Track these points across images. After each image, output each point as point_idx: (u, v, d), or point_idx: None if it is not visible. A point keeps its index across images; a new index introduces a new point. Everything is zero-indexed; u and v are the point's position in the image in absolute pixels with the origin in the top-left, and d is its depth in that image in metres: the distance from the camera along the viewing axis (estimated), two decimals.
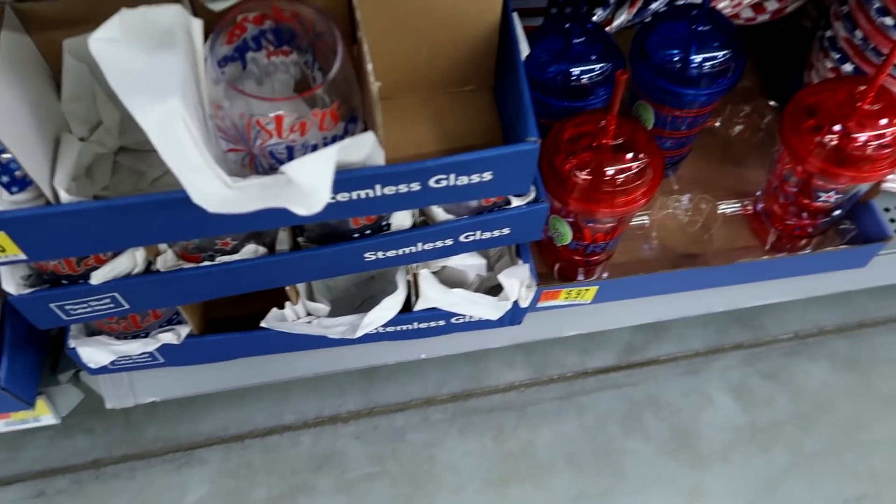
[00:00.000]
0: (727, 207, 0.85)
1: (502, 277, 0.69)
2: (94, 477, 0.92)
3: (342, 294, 0.80)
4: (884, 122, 0.68)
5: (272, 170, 0.49)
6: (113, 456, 0.93)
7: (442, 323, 0.75)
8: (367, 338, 0.75)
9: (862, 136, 0.68)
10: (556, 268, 0.80)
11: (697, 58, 0.74)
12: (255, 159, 0.49)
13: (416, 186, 0.52)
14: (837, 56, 0.80)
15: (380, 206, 0.54)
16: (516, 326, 0.80)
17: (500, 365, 1.01)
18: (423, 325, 0.75)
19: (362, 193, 0.52)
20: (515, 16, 0.58)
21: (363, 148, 0.48)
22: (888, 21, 0.73)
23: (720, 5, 0.92)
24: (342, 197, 0.52)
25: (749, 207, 0.85)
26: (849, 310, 1.04)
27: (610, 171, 0.66)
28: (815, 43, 0.86)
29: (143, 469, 0.92)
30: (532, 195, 0.65)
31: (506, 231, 0.65)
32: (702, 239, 0.84)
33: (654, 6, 0.89)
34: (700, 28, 0.73)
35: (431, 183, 0.52)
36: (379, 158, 0.50)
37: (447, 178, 0.52)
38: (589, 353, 1.01)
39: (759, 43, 1.00)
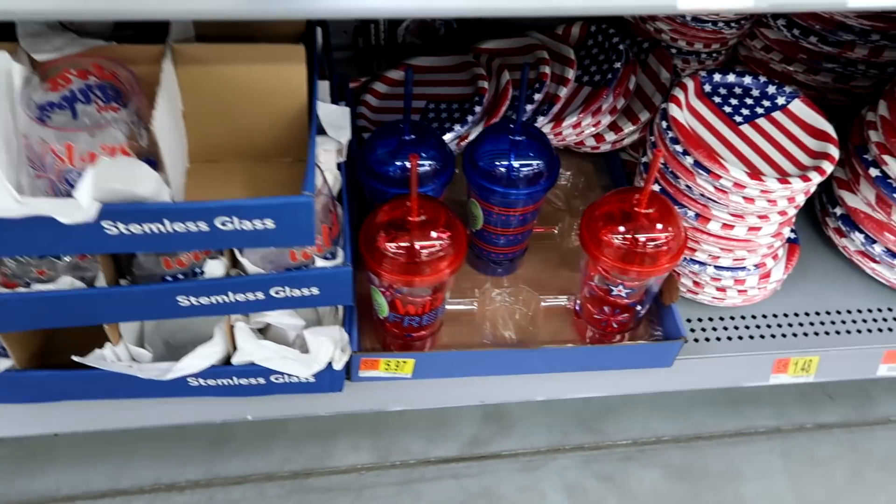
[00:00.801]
0: (552, 303, 0.93)
1: (308, 334, 0.74)
2: None
3: (182, 348, 0.84)
4: (659, 226, 0.77)
5: (69, 195, 0.56)
6: None
7: (262, 381, 0.79)
8: (193, 391, 0.79)
9: (641, 237, 0.77)
10: (385, 341, 0.86)
11: (516, 163, 0.84)
12: (54, 185, 0.56)
13: (203, 226, 0.59)
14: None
15: (173, 243, 0.61)
16: (341, 395, 0.84)
17: (346, 446, 1.03)
18: (244, 381, 0.79)
19: (153, 227, 0.59)
20: (320, 103, 0.69)
21: (147, 182, 0.55)
22: (678, 148, 0.84)
23: (565, 132, 1.05)
24: (135, 229, 0.59)
25: (570, 304, 0.93)
26: (687, 422, 1.10)
27: (415, 245, 0.74)
28: (638, 167, 0.98)
29: None
30: (339, 259, 0.72)
31: (315, 291, 0.72)
32: (527, 330, 0.90)
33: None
34: (517, 139, 0.84)
35: (218, 224, 0.60)
36: (165, 195, 0.57)
37: (231, 221, 0.60)
38: (434, 441, 1.04)
39: None
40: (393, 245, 0.74)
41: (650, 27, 1.18)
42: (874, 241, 0.97)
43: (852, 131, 1.00)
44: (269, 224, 0.61)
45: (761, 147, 0.88)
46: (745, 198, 0.83)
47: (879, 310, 0.99)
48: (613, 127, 1.05)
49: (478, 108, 1.03)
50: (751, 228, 0.87)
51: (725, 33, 1.15)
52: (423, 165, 0.83)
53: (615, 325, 0.87)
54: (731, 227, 0.87)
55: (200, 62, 0.64)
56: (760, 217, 0.86)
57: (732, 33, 1.16)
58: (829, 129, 0.88)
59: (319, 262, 0.70)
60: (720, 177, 0.82)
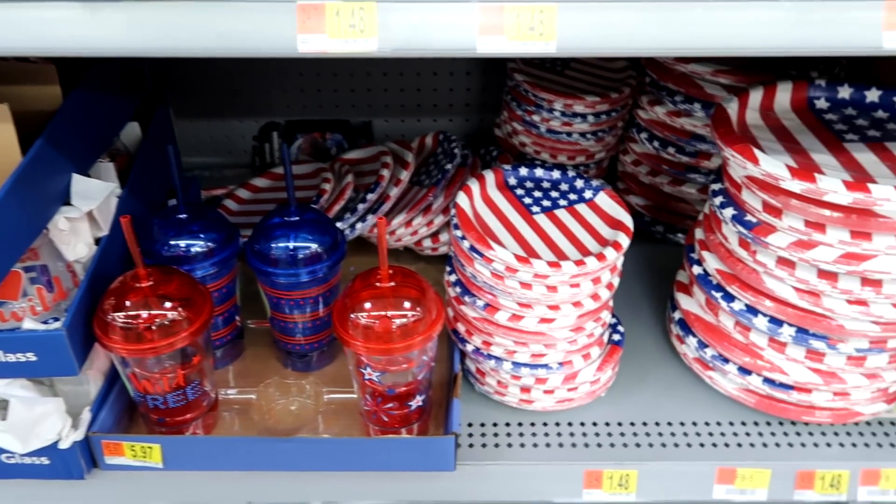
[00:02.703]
0: (336, 396, 0.87)
1: (18, 403, 0.71)
2: None
3: None
4: (406, 304, 0.74)
5: None
6: None
7: None
8: None
9: (377, 314, 0.73)
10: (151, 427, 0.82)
11: (291, 245, 0.83)
12: None
13: None
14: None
15: None
16: (84, 483, 0.79)
17: None
18: None
19: None
20: (76, 176, 0.71)
21: None
22: (458, 233, 0.82)
23: (399, 231, 1.04)
24: None
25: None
26: None
27: (143, 314, 0.72)
28: None
29: None
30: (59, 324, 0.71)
31: (31, 356, 0.70)
32: (307, 424, 0.84)
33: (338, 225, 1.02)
34: (292, 220, 0.84)
35: None
36: None
37: None
38: None
39: None
40: (121, 315, 0.72)
41: (515, 141, 1.20)
42: (706, 346, 0.89)
43: (688, 233, 0.96)
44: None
45: (552, 237, 0.84)
46: (521, 283, 0.79)
47: (718, 423, 0.89)
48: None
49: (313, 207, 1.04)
50: (542, 320, 0.81)
51: (583, 145, 1.16)
52: (196, 245, 0.83)
53: (385, 419, 0.80)
54: (521, 317, 0.82)
55: None
56: (550, 308, 0.81)
57: (591, 145, 1.17)
58: (627, 219, 0.85)
59: (28, 325, 0.69)
60: (492, 260, 0.78)
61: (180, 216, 0.83)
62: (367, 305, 0.74)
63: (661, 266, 1.12)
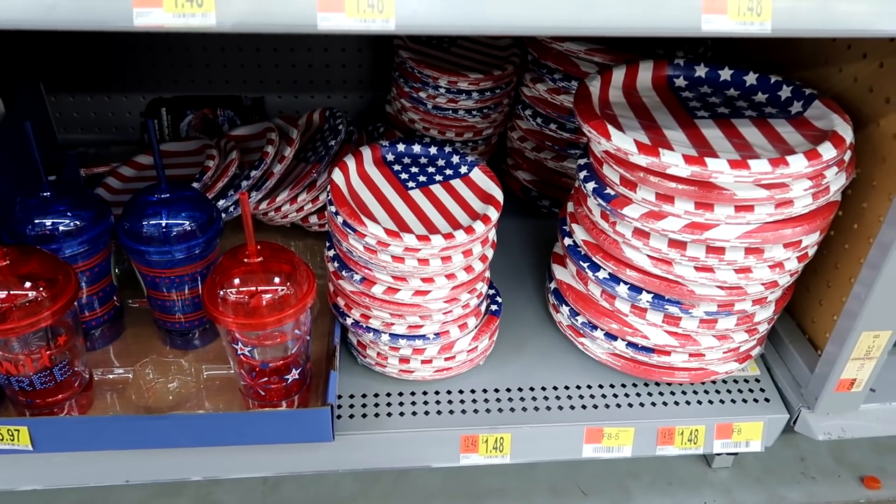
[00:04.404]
0: (217, 373, 0.88)
1: None
2: None
3: None
4: (276, 280, 0.75)
5: None
6: None
7: None
8: None
9: (245, 289, 0.74)
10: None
11: (163, 223, 0.83)
12: None
13: None
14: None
15: None
16: None
17: None
18: None
19: None
20: None
21: None
22: (333, 209, 0.83)
23: (284, 208, 1.05)
24: None
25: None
26: None
27: (1, 294, 0.71)
28: None
29: None
30: None
31: None
32: (187, 401, 0.85)
33: (221, 203, 1.01)
34: (163, 197, 0.83)
35: None
36: None
37: None
38: None
39: None
40: None
41: (404, 118, 1.21)
42: (577, 314, 0.93)
43: (562, 207, 1.00)
44: None
45: (425, 211, 0.86)
46: (393, 257, 0.81)
47: (589, 386, 0.94)
48: None
49: (196, 184, 1.03)
50: (416, 292, 0.84)
51: (470, 121, 1.18)
52: (62, 223, 0.81)
53: (262, 393, 0.81)
54: (396, 290, 0.84)
55: None
56: (424, 280, 0.83)
57: (479, 122, 1.19)
58: (498, 194, 0.88)
59: None
60: (364, 235, 0.80)
61: (44, 194, 0.81)
62: (236, 281, 0.75)
63: (546, 239, 1.17)
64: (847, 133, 0.77)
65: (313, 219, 1.07)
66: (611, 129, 0.76)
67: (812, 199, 0.76)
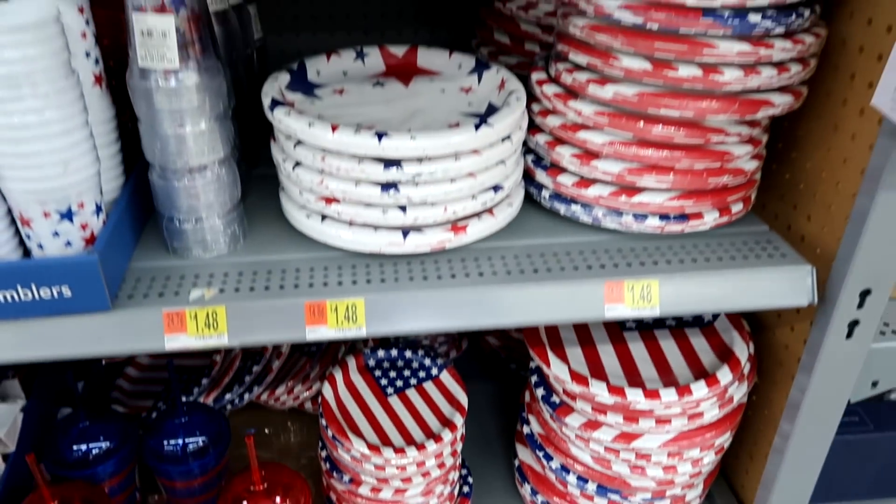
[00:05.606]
0: None
1: None
2: None
3: None
4: (277, 499, 0.89)
5: None
6: None
7: None
8: None
9: None
10: None
11: (179, 442, 0.98)
12: None
13: None
14: None
15: None
16: None
17: None
18: None
19: None
20: None
21: None
22: (323, 422, 0.98)
23: (282, 398, 1.20)
24: None
25: None
26: None
27: None
28: None
29: None
30: None
31: None
32: None
33: (228, 396, 1.17)
34: (185, 420, 0.99)
35: None
36: None
37: None
38: None
39: None
40: None
41: None
42: (537, 493, 1.07)
43: (521, 393, 1.15)
44: None
45: (401, 417, 1.02)
46: (375, 466, 0.96)
47: None
48: None
49: (205, 380, 1.18)
50: (397, 490, 0.98)
51: None
52: (95, 448, 0.97)
53: None
54: (379, 490, 0.98)
55: None
56: (403, 481, 0.98)
57: None
58: (463, 398, 1.03)
59: None
60: (350, 448, 0.95)
61: (81, 425, 0.97)
62: None
63: (516, 402, 1.32)
64: (743, 353, 0.93)
65: (308, 405, 1.22)
66: (550, 355, 0.93)
67: (718, 409, 0.92)
